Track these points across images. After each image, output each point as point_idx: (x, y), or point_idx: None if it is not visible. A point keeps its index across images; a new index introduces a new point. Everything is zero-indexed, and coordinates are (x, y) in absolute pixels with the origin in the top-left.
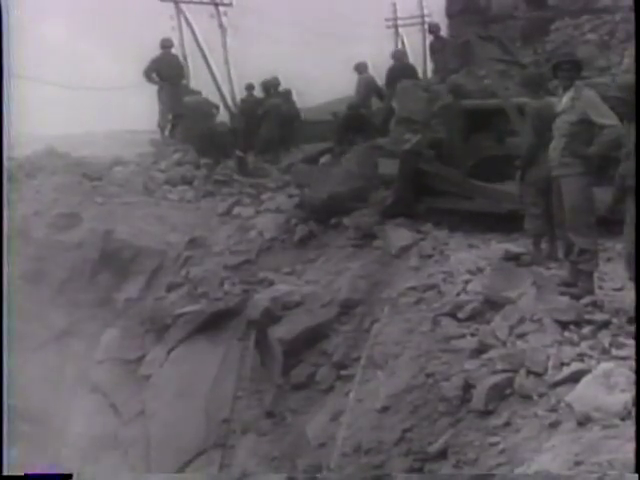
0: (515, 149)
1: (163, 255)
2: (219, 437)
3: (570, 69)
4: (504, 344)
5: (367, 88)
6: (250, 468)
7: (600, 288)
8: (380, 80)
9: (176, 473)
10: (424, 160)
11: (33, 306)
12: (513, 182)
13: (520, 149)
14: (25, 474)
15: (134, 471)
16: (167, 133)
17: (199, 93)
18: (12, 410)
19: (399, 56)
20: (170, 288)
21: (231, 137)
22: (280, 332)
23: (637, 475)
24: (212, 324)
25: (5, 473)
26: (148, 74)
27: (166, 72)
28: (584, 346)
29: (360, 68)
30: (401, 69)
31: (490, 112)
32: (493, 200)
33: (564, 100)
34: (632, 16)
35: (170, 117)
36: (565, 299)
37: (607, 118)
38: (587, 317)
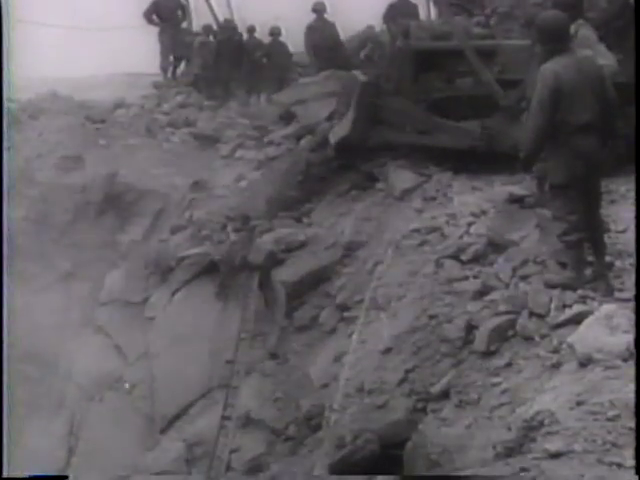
0: (465, 90)
1: (167, 197)
2: (223, 378)
3: (569, 8)
4: (507, 286)
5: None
6: (254, 408)
7: None
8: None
9: (181, 413)
10: (382, 93)
11: (37, 248)
12: (467, 122)
13: (471, 89)
14: (25, 474)
15: (138, 412)
16: (169, 75)
17: (201, 35)
18: (18, 351)
19: None
20: (174, 230)
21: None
22: (283, 274)
23: (637, 476)
24: (216, 267)
25: (5, 474)
26: (148, 16)
27: (166, 14)
28: (586, 288)
29: (318, 7)
30: (402, 5)
31: (440, 54)
32: (453, 136)
33: None
34: None
35: (172, 59)
36: None
37: (602, 57)
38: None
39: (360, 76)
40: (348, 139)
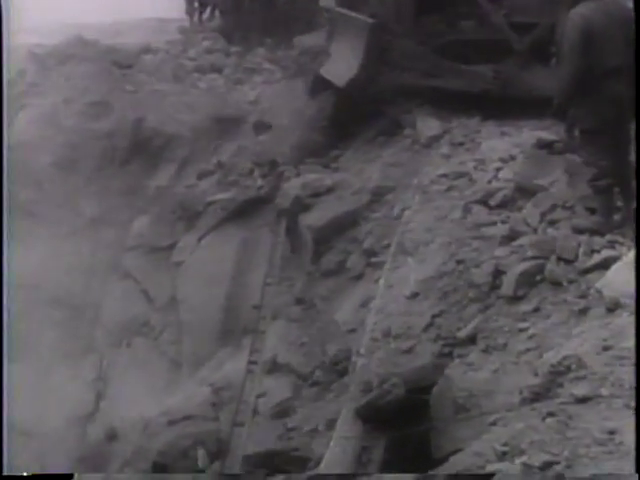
0: (470, 34)
1: (194, 143)
2: (250, 323)
3: None
4: (535, 231)
5: None
6: (280, 353)
7: None
8: None
9: (207, 357)
10: (392, 35)
11: (65, 194)
12: (478, 66)
13: (476, 33)
14: (25, 474)
15: (165, 356)
16: (195, 20)
17: None
18: (46, 296)
19: None
20: (201, 176)
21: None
22: (310, 219)
23: (637, 475)
24: (243, 212)
25: (5, 473)
26: None
27: None
28: (615, 233)
29: None
30: None
31: None
32: (466, 79)
33: None
34: None
35: (197, 4)
36: None
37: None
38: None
39: (367, 19)
40: (356, 81)
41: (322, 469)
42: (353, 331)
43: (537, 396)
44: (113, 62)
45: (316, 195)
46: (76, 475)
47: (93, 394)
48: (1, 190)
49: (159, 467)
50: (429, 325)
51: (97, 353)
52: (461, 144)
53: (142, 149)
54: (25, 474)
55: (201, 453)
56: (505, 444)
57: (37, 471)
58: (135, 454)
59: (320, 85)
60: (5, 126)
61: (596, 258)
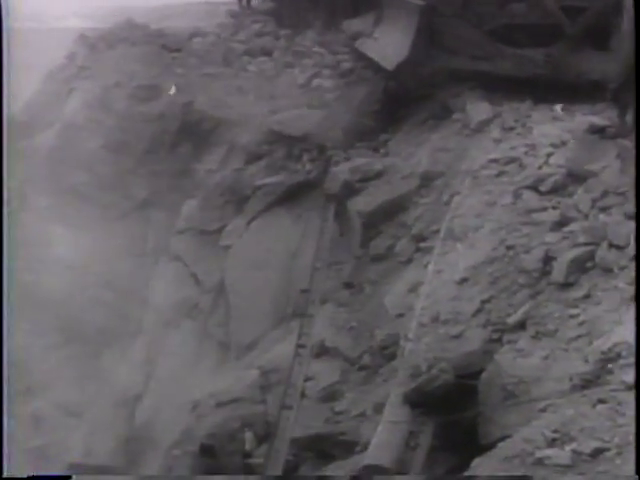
0: (521, 16)
1: (243, 126)
2: (298, 306)
3: None
4: (586, 217)
5: None
6: (329, 337)
7: None
8: None
9: (256, 340)
10: (442, 17)
11: (115, 177)
12: (528, 50)
13: (528, 17)
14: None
15: (213, 338)
16: (245, 3)
17: None
18: (96, 278)
19: None
20: (250, 160)
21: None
22: (359, 204)
23: (637, 476)
24: (291, 196)
25: (5, 474)
26: None
27: None
28: None
29: None
30: None
31: None
32: (516, 63)
33: None
34: None
35: None
36: None
37: None
38: None
39: (417, 1)
40: (406, 64)
41: (369, 453)
42: (401, 316)
43: (587, 383)
44: (163, 46)
45: (365, 180)
46: (74, 476)
47: (142, 376)
48: (1, 175)
49: (207, 449)
50: (478, 311)
51: (146, 335)
52: (512, 129)
53: (191, 132)
54: (25, 475)
55: (249, 436)
56: (555, 431)
57: (83, 454)
58: (183, 436)
59: None
60: (6, 113)
61: None
